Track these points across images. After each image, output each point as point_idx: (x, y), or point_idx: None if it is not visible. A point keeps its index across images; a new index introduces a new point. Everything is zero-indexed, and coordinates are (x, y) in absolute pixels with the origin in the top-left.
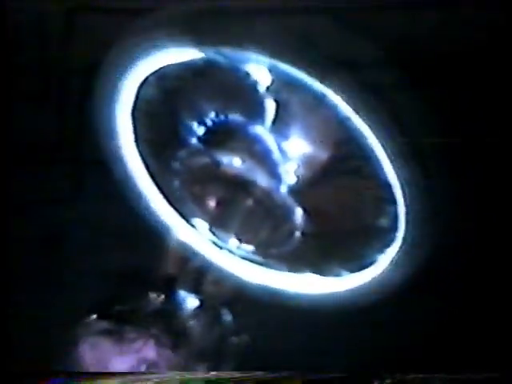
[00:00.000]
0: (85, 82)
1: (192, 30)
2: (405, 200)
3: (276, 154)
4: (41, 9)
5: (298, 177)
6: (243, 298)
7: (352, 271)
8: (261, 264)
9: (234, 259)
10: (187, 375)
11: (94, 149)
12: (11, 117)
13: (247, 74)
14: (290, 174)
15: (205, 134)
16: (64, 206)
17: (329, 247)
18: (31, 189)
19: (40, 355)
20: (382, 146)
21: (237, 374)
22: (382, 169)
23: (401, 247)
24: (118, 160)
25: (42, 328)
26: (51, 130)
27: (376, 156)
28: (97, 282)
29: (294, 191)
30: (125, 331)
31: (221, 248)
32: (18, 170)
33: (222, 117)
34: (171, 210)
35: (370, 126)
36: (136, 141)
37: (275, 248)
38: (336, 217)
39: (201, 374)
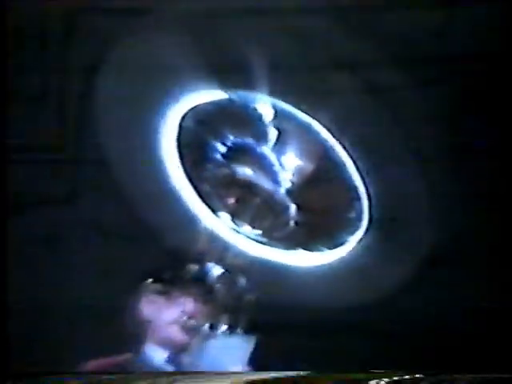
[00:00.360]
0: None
1: (220, 79)
2: (368, 198)
3: (276, 166)
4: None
5: (292, 182)
6: (253, 268)
7: (330, 248)
8: (266, 244)
9: (247, 240)
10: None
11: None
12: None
13: (256, 110)
14: (286, 181)
15: (226, 152)
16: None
17: (314, 232)
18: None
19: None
20: (352, 161)
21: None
22: (351, 177)
23: (364, 232)
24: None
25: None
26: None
27: (347, 168)
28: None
29: (289, 192)
30: (171, 291)
31: (238, 232)
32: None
33: (238, 140)
34: (204, 206)
35: (342, 146)
36: (180, 157)
37: (276, 232)
38: (319, 211)
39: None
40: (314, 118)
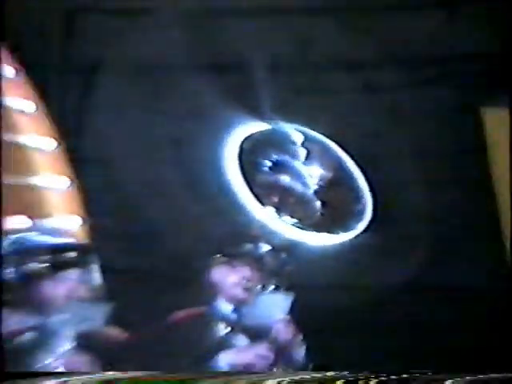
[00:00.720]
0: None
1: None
2: (371, 197)
3: (306, 175)
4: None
5: (317, 186)
6: (291, 246)
7: (344, 232)
8: (300, 229)
9: (286, 227)
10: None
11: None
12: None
13: (290, 136)
14: (313, 185)
15: (271, 165)
16: None
17: (333, 221)
18: None
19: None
20: (360, 170)
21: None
22: (358, 182)
23: (368, 221)
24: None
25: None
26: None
27: (355, 176)
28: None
29: (315, 193)
30: (235, 263)
31: (280, 221)
32: None
33: (279, 157)
34: (256, 203)
35: (352, 159)
36: (241, 169)
37: (307, 221)
38: (336, 206)
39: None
40: (331, 140)
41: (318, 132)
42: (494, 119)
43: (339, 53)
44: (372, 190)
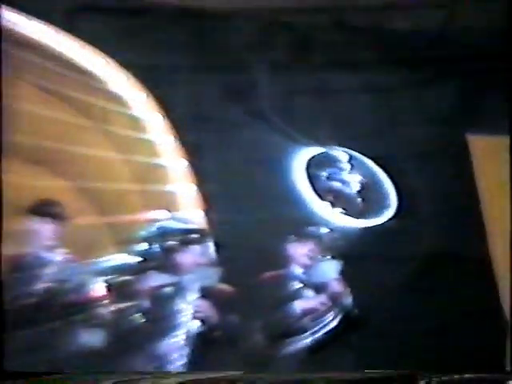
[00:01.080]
0: None
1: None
2: (397, 193)
3: (351, 182)
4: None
5: (358, 188)
6: (341, 228)
7: (376, 218)
8: (348, 216)
9: (338, 216)
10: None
11: None
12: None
13: (338, 155)
14: (355, 188)
15: (326, 177)
16: None
17: (369, 211)
18: None
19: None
20: (387, 174)
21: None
22: (386, 186)
23: (395, 210)
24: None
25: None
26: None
27: (383, 180)
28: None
29: (357, 193)
30: (303, 240)
31: (334, 212)
32: None
33: (331, 170)
34: (319, 200)
35: (382, 169)
36: (309, 179)
37: (352, 211)
38: (372, 201)
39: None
40: (366, 157)
41: (357, 152)
42: (480, 146)
43: None
44: (396, 190)
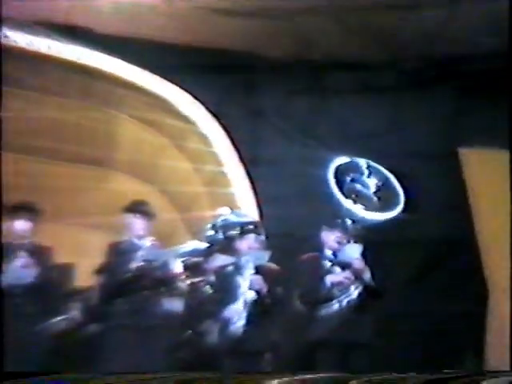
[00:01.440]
0: None
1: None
2: (404, 193)
3: (370, 184)
4: None
5: (375, 189)
6: (361, 220)
7: (389, 211)
8: (367, 211)
9: (360, 210)
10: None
11: None
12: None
13: (359, 163)
14: (373, 189)
15: (349, 180)
16: None
17: (384, 206)
18: None
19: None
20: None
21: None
22: (397, 187)
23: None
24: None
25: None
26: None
27: (393, 183)
28: None
29: (374, 193)
30: (334, 230)
31: (357, 207)
32: None
33: (354, 175)
34: (344, 199)
35: (392, 174)
36: (336, 183)
37: (370, 207)
38: (386, 199)
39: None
40: (381, 165)
41: (375, 162)
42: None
43: None
44: (404, 190)
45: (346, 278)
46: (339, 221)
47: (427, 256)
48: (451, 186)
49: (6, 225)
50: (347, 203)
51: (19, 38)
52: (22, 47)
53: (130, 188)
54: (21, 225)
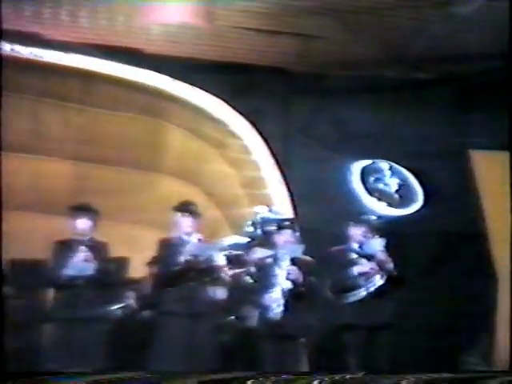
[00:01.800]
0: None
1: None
2: (423, 191)
3: (391, 185)
4: None
5: (397, 188)
6: (384, 216)
7: (408, 208)
8: (389, 207)
9: (383, 206)
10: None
11: None
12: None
13: (382, 165)
14: (394, 188)
15: (373, 180)
16: None
17: (404, 203)
18: None
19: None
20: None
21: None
22: (415, 186)
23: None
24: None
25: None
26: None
27: (411, 181)
28: None
29: (396, 191)
30: (360, 225)
31: (380, 203)
32: None
33: (377, 176)
34: (369, 197)
35: (411, 173)
36: (362, 182)
37: (392, 203)
38: (405, 197)
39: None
40: (401, 166)
41: (396, 163)
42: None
43: None
44: (423, 188)
45: (372, 268)
46: (365, 217)
47: (441, 246)
48: (463, 184)
49: (69, 223)
50: (372, 201)
51: (71, 59)
52: (82, 68)
53: (178, 190)
54: (81, 223)
